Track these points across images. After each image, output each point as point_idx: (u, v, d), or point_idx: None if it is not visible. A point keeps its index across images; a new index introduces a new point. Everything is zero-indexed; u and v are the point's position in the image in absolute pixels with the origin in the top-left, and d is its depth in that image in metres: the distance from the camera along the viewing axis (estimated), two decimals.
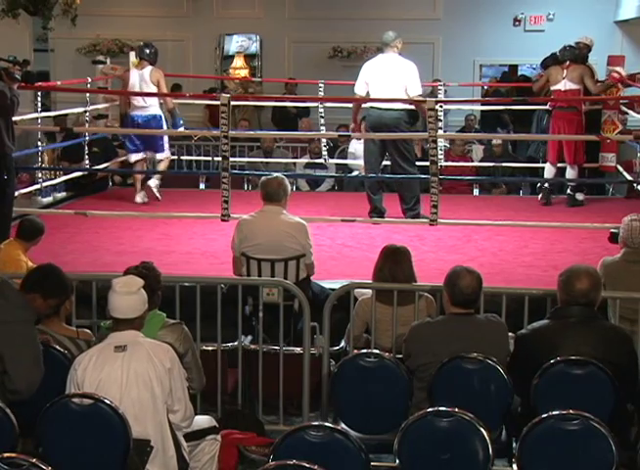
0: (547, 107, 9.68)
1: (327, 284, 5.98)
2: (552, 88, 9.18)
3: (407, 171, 8.25)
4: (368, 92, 8.23)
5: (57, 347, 4.44)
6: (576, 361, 4.15)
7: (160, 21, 14.82)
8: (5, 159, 6.81)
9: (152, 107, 9.19)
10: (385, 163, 8.67)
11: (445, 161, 10.53)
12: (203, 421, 4.33)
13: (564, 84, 9.10)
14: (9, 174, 6.89)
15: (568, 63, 9.13)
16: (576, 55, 9.19)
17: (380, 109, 8.15)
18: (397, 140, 8.15)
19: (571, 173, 9.22)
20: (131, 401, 3.83)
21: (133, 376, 3.84)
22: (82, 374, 3.87)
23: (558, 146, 9.22)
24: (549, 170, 9.35)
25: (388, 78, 8.14)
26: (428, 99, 7.92)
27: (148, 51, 9.24)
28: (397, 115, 8.13)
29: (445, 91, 11.17)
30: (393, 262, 5.16)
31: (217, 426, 4.37)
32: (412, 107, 8.28)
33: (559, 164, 9.27)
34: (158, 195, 9.30)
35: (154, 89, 9.14)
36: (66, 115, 10.63)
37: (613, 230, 6.32)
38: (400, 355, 4.64)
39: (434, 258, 7.05)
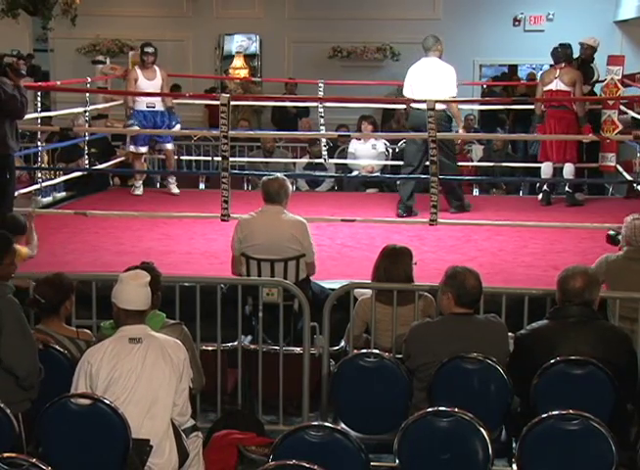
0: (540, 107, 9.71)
1: (327, 284, 5.97)
2: (544, 88, 9.24)
3: (450, 167, 8.50)
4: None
5: (57, 347, 4.45)
6: (576, 361, 4.16)
7: (159, 21, 14.81)
8: (7, 159, 6.79)
9: None
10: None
11: None
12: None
13: (555, 84, 9.16)
14: (11, 174, 6.88)
15: (563, 64, 9.18)
16: (569, 55, 9.24)
17: (419, 109, 8.31)
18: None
19: (567, 171, 9.23)
20: (146, 391, 3.88)
21: (149, 366, 3.90)
22: (98, 365, 3.91)
23: (548, 144, 9.27)
24: (545, 169, 9.37)
25: (428, 81, 8.54)
26: (427, 99, 7.93)
27: None
28: (435, 113, 8.27)
29: None
30: (389, 262, 5.16)
31: (195, 424, 4.38)
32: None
33: (556, 164, 9.29)
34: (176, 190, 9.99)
35: None
36: (53, 116, 10.63)
37: (610, 232, 6.33)
38: (400, 355, 4.64)
39: (433, 258, 7.04)
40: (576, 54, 9.66)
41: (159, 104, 9.65)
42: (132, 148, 9.78)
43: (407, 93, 8.76)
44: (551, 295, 4.82)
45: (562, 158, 9.18)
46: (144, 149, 9.78)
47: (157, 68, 9.73)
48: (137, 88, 9.59)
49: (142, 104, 9.60)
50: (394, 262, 5.15)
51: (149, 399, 3.89)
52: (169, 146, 9.94)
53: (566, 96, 9.12)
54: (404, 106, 12.20)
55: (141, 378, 3.89)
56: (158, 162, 11.05)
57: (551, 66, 9.55)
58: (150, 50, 9.64)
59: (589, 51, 9.61)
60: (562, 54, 9.22)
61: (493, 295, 5.04)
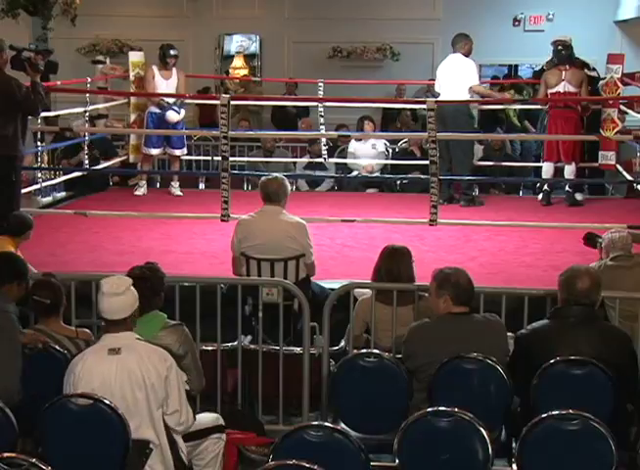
0: (545, 107, 9.75)
1: (327, 284, 5.97)
2: (550, 91, 9.25)
3: (464, 162, 9.15)
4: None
5: (56, 347, 4.45)
6: (576, 361, 4.16)
7: (159, 21, 14.80)
8: (15, 161, 6.79)
9: None
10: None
11: None
12: (207, 420, 4.32)
13: (563, 86, 9.19)
14: (17, 176, 6.89)
15: (567, 66, 9.19)
16: (572, 56, 9.24)
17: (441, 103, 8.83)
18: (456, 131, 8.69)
19: (569, 171, 9.25)
20: (126, 404, 3.82)
21: (127, 379, 3.83)
22: (78, 377, 3.87)
23: (555, 144, 9.27)
24: (547, 169, 9.38)
25: (449, 76, 9.25)
26: (427, 99, 7.95)
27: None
28: (457, 107, 8.93)
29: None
30: (390, 263, 5.16)
31: (223, 425, 4.36)
32: (471, 100, 9.36)
33: (558, 164, 9.30)
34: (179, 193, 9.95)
35: None
36: (54, 116, 10.60)
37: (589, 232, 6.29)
38: (400, 356, 4.63)
39: (434, 257, 7.04)
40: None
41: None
42: (144, 149, 9.75)
43: (437, 89, 9.48)
44: (551, 295, 4.82)
45: (570, 158, 9.19)
46: (155, 151, 9.75)
47: (174, 68, 9.71)
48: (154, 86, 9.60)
49: (155, 105, 9.61)
50: (395, 262, 5.16)
51: (131, 411, 3.81)
52: (177, 152, 9.84)
53: (573, 97, 9.13)
54: (406, 106, 12.30)
55: (120, 390, 3.83)
56: (158, 162, 11.04)
57: (550, 66, 9.53)
58: (174, 53, 9.65)
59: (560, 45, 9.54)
60: (565, 56, 9.23)
61: (493, 295, 5.04)
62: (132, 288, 4.02)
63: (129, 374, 3.84)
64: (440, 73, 9.42)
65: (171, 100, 9.57)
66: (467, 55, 9.27)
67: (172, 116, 9.50)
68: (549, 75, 9.40)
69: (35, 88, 6.70)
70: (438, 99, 9.08)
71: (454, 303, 4.43)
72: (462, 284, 4.41)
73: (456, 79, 9.14)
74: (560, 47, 9.32)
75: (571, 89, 9.17)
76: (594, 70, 9.80)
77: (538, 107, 10.42)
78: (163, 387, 3.88)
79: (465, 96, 9.16)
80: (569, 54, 9.26)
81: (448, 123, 8.67)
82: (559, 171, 9.34)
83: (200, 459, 4.21)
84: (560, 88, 9.19)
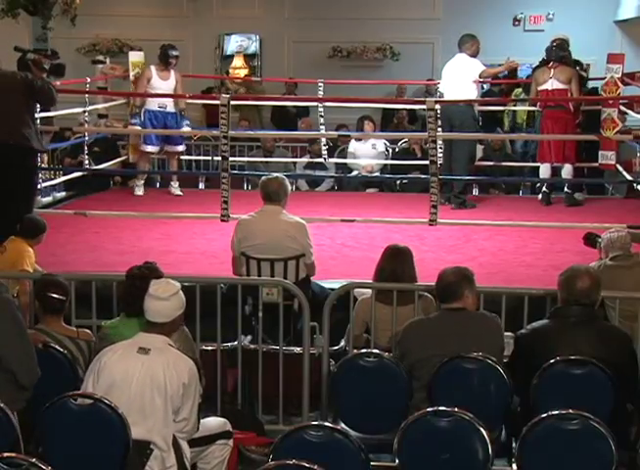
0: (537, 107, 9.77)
1: (327, 284, 5.97)
2: (539, 88, 9.25)
3: (461, 163, 9.04)
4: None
5: (57, 346, 4.45)
6: (576, 361, 4.16)
7: (159, 21, 14.81)
8: (29, 155, 6.81)
9: None
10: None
11: None
12: (214, 425, 4.31)
13: (551, 83, 9.18)
14: (35, 174, 6.94)
15: (555, 64, 9.19)
16: (561, 56, 9.23)
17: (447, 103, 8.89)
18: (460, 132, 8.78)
19: (566, 172, 9.24)
20: (142, 404, 3.84)
21: (149, 381, 3.85)
22: (105, 365, 3.91)
23: (546, 145, 9.27)
24: (544, 170, 9.38)
25: (453, 75, 9.19)
26: (427, 99, 7.95)
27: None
28: (462, 108, 8.85)
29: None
30: (394, 263, 5.17)
31: (231, 430, 4.35)
32: (474, 100, 9.26)
33: (555, 164, 9.30)
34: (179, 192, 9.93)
35: None
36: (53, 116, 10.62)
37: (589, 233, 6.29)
38: None
39: (434, 257, 7.04)
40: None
41: (170, 105, 9.60)
42: (142, 146, 9.77)
43: (442, 89, 9.46)
44: (551, 295, 4.83)
45: (561, 159, 9.18)
46: (152, 149, 9.76)
47: (172, 69, 9.71)
48: (150, 87, 9.59)
49: (154, 104, 9.57)
50: (402, 263, 5.17)
51: (146, 411, 3.84)
52: (180, 148, 9.89)
53: (563, 94, 9.12)
54: (406, 106, 12.31)
55: (140, 389, 3.84)
56: (158, 162, 11.04)
57: (542, 64, 9.54)
58: (176, 53, 9.67)
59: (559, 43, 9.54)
60: (554, 54, 9.24)
61: (493, 295, 5.04)
62: (179, 295, 4.05)
63: (152, 376, 3.85)
64: (446, 74, 9.36)
65: (170, 103, 9.58)
66: (474, 56, 9.19)
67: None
68: (538, 73, 9.40)
69: (45, 81, 6.78)
70: (442, 99, 9.06)
71: (438, 299, 4.48)
72: (440, 281, 4.45)
73: (462, 80, 9.08)
74: (554, 45, 9.32)
75: (559, 86, 9.15)
76: (585, 70, 9.79)
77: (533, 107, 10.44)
78: (181, 396, 3.89)
79: (471, 97, 9.09)
80: (558, 53, 9.25)
81: (456, 125, 8.71)
82: (557, 172, 9.34)
83: (205, 463, 4.22)
84: (547, 86, 9.18)
